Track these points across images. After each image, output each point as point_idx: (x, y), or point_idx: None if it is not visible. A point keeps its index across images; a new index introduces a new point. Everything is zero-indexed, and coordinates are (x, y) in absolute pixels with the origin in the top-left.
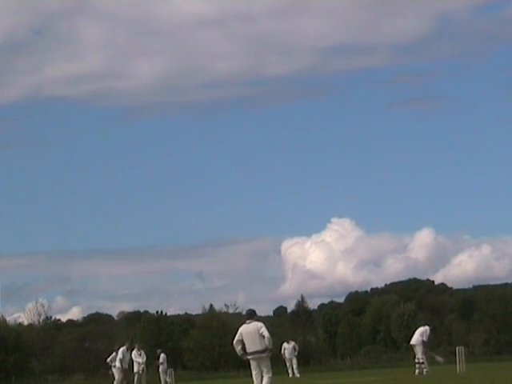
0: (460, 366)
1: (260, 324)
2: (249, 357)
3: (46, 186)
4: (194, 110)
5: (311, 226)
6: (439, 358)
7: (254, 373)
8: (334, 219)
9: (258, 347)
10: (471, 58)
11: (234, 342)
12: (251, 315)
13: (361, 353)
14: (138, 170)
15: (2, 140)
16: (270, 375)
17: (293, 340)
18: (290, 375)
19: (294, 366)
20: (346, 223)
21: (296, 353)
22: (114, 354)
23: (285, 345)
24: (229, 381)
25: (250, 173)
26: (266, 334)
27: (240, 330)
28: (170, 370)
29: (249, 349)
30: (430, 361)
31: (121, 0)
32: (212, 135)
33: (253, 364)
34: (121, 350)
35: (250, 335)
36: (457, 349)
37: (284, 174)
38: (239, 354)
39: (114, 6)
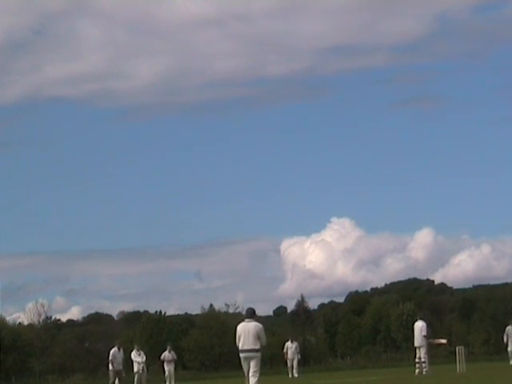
0: (460, 366)
1: (261, 326)
2: (241, 354)
3: (46, 186)
4: (194, 110)
5: (311, 226)
6: (442, 340)
7: (246, 372)
8: (333, 219)
9: (253, 346)
10: (471, 58)
11: (237, 342)
12: (251, 314)
13: (361, 353)
14: (137, 169)
15: (2, 140)
16: (258, 376)
17: (296, 340)
18: (290, 375)
19: (295, 366)
20: (346, 223)
21: (299, 354)
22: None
23: (288, 344)
24: (229, 381)
25: (250, 172)
26: (263, 339)
27: (238, 327)
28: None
29: (242, 346)
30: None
31: (120, 0)
32: (212, 135)
33: (244, 364)
34: (111, 351)
35: (248, 333)
36: (457, 349)
37: (284, 173)
38: None
39: (114, 6)
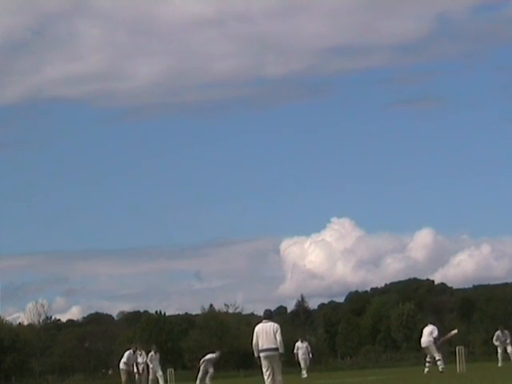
0: (460, 366)
1: (277, 326)
2: (261, 354)
3: (46, 186)
4: (194, 110)
5: (311, 226)
6: (453, 332)
7: (265, 372)
8: (333, 219)
9: (272, 345)
10: (471, 58)
11: (254, 343)
12: (270, 316)
13: (361, 353)
14: (137, 170)
15: (2, 140)
16: (281, 378)
17: (306, 340)
18: (303, 375)
19: (305, 366)
20: (346, 223)
21: (310, 354)
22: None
23: (298, 344)
24: (229, 381)
25: (250, 173)
26: (279, 337)
27: (256, 328)
28: (171, 370)
29: (262, 345)
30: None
31: (120, 0)
32: (211, 135)
33: (264, 362)
34: (126, 353)
35: (266, 333)
36: (457, 349)
37: (283, 173)
38: (255, 355)
39: (114, 6)
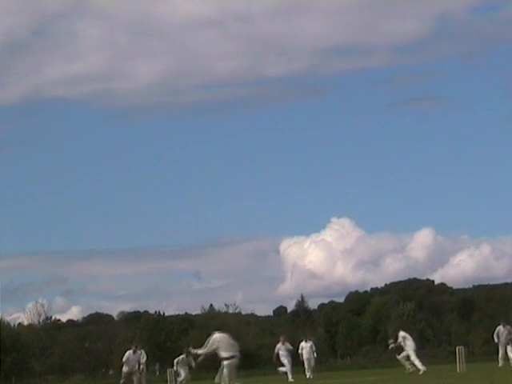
0: (460, 366)
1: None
2: (229, 361)
3: (46, 186)
4: (194, 110)
5: (311, 226)
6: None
7: (229, 377)
8: (333, 219)
9: (237, 352)
10: (471, 58)
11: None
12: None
13: (361, 353)
14: (137, 170)
15: (2, 140)
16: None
17: (310, 339)
18: (308, 376)
19: (311, 366)
20: (346, 223)
21: (315, 353)
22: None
23: (302, 344)
24: None
25: (249, 173)
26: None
27: (215, 337)
28: (171, 370)
29: (229, 353)
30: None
31: (120, 1)
32: (211, 135)
33: (229, 367)
34: (126, 353)
35: (228, 341)
36: (457, 349)
37: (283, 173)
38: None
39: (114, 6)
